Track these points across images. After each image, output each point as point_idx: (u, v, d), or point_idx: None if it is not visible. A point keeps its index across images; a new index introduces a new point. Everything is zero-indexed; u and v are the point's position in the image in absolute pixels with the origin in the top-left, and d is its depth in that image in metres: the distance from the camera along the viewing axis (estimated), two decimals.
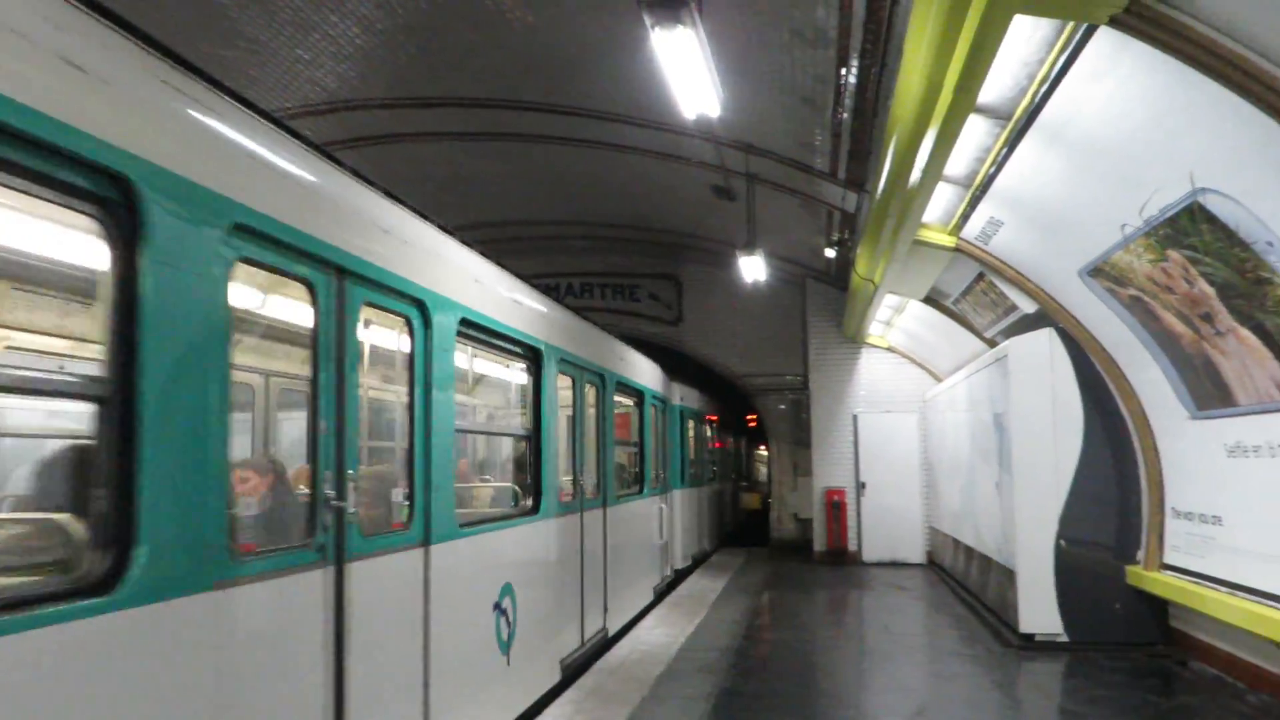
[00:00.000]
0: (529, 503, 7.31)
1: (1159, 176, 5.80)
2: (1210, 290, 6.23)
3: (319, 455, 4.02)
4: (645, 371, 12.20)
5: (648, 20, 6.03)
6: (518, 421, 8.16)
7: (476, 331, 6.04)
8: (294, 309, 4.43)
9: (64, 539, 3.07)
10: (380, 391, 6.05)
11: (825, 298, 17.61)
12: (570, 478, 8.63)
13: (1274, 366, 6.06)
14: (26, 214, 3.53)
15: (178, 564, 3.00)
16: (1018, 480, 9.34)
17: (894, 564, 16.38)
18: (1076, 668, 8.40)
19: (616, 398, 10.49)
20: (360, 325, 4.40)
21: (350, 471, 4.17)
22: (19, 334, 5.11)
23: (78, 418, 3.33)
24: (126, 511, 2.81)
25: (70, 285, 4.54)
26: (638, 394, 11.72)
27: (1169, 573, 8.34)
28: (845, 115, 9.83)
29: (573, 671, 7.98)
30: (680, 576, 14.52)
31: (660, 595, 12.69)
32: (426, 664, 4.93)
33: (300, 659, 3.73)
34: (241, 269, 3.46)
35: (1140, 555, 8.84)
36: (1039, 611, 9.14)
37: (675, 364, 16.57)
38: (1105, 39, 4.99)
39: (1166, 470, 8.43)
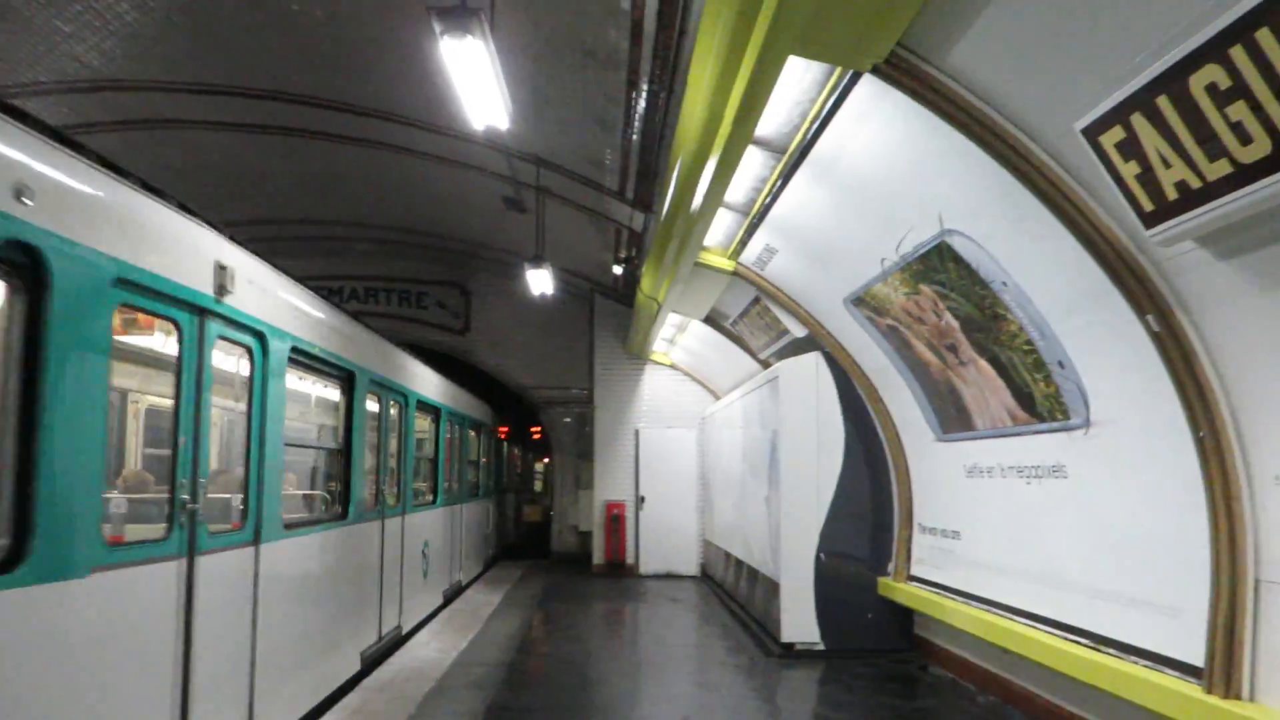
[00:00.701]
0: (431, 498, 12.20)
1: (913, 216, 6.27)
2: (955, 323, 6.78)
3: (381, 468, 9.25)
4: (474, 406, 15.88)
5: (436, 27, 5.95)
6: (429, 450, 12.58)
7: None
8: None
9: (327, 501, 8.07)
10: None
11: (612, 313, 17.90)
12: (445, 484, 13.07)
13: (1006, 395, 6.66)
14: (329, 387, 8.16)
15: (361, 511, 8.16)
16: (784, 496, 9.80)
17: (669, 576, 16.78)
18: (830, 674, 8.90)
19: (469, 431, 15.18)
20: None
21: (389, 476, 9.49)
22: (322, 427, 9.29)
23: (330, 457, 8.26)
24: (346, 493, 7.82)
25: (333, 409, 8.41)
26: (475, 425, 15.80)
27: (914, 584, 8.98)
28: (635, 137, 10.04)
29: (449, 596, 13.14)
30: (492, 561, 18.64)
31: (487, 565, 17.46)
32: (402, 568, 10.08)
33: (375, 550, 8.80)
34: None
35: (890, 568, 9.47)
36: (799, 622, 9.62)
37: (462, 374, 16.36)
38: (869, 85, 5.35)
39: (915, 488, 9.08)
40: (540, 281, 12.69)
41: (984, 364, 6.74)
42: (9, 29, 9.19)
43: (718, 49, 5.18)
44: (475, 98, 6.76)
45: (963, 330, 6.74)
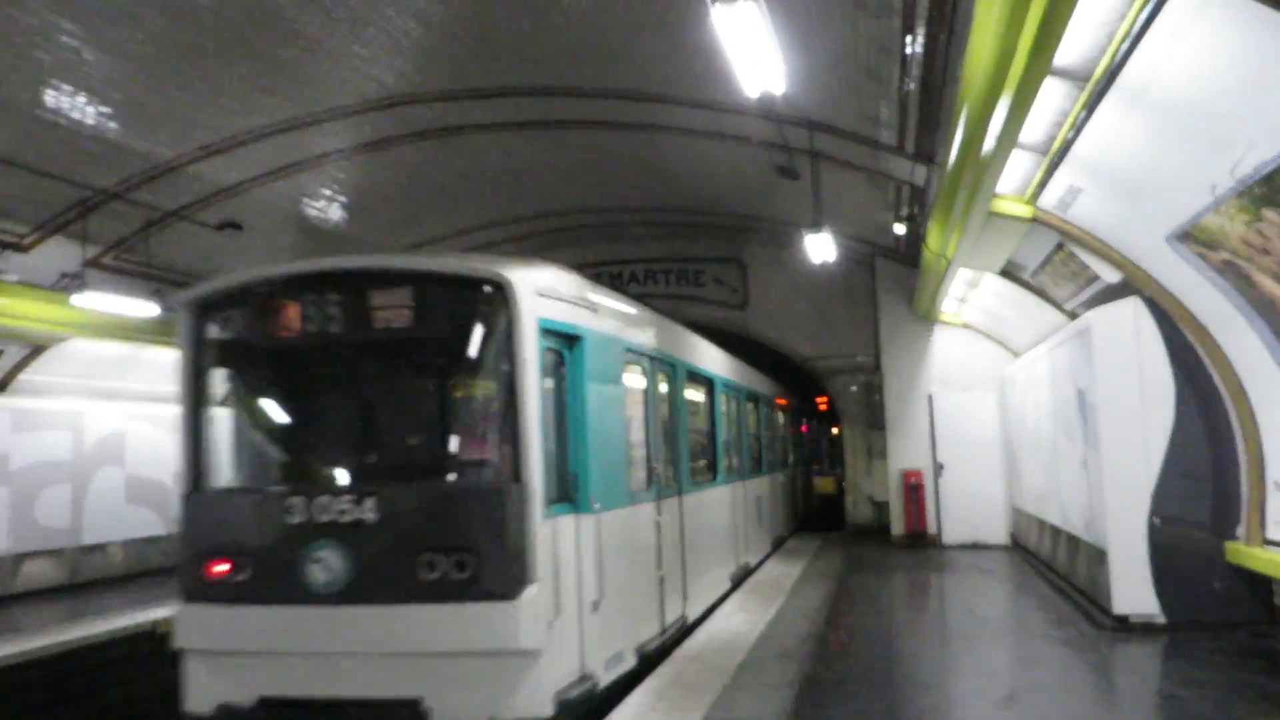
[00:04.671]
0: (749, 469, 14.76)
1: (1251, 133, 5.60)
2: None
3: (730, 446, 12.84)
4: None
5: None
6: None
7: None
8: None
9: (706, 467, 11.74)
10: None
11: (896, 276, 17.40)
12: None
13: None
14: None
15: (718, 478, 12.04)
16: (1106, 457, 9.13)
17: (975, 546, 16.14)
18: (1175, 649, 8.19)
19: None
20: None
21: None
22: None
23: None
24: (714, 462, 12.02)
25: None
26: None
27: (1272, 549, 8.08)
28: (911, 86, 9.66)
29: (776, 544, 16.81)
30: (787, 535, 19.06)
31: (781, 539, 17.95)
32: (744, 523, 13.84)
33: (734, 506, 12.98)
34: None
35: (1240, 531, 8.57)
36: (1133, 592, 8.92)
37: (741, 348, 16.50)
38: None
39: (1266, 442, 8.16)
40: (820, 248, 12.51)
41: None
42: (317, 61, 10.23)
43: None
44: (749, 64, 6.75)
45: None
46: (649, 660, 8.04)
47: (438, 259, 7.11)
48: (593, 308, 7.36)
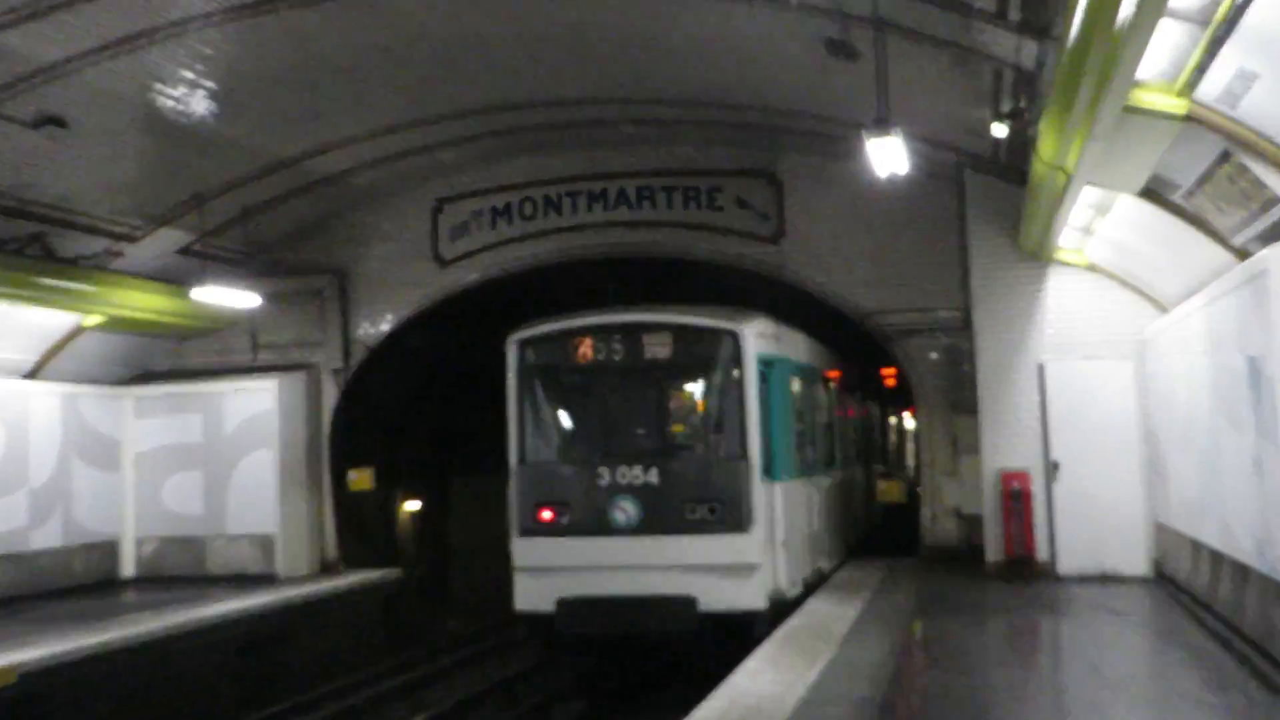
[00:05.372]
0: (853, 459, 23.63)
1: None
2: None
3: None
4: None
5: None
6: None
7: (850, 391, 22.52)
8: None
9: (827, 457, 19.84)
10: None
11: (993, 197, 17.41)
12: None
13: None
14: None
15: (833, 466, 19.86)
16: None
17: (1104, 578, 16.33)
18: None
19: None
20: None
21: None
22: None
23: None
24: (831, 455, 19.88)
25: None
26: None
27: None
28: None
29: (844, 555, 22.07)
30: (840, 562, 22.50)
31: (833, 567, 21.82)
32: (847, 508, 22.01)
33: (847, 489, 22.09)
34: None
35: None
36: None
37: (775, 298, 16.58)
38: None
39: None
40: (887, 157, 12.47)
41: None
42: None
43: None
44: None
45: None
46: (808, 587, 15.83)
47: (692, 315, 14.85)
48: (778, 341, 15.20)
